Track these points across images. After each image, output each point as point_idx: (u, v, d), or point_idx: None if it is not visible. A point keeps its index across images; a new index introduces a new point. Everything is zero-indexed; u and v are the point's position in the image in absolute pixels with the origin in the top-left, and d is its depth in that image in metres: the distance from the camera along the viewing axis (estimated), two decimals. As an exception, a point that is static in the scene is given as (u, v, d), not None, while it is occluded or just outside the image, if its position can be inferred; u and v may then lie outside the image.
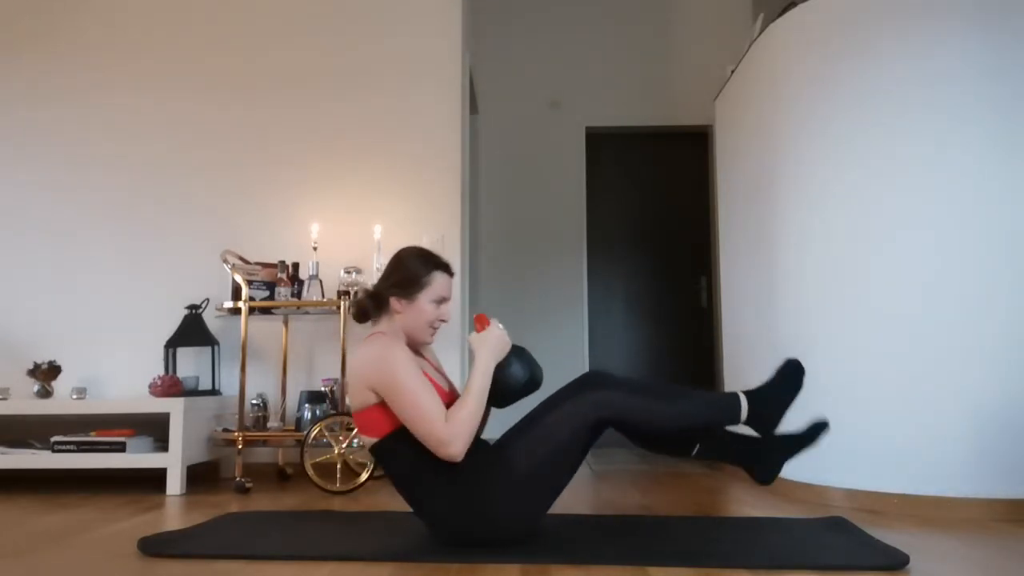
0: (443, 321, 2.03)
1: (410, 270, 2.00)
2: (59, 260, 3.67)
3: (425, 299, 1.99)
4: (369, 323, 2.06)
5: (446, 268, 2.05)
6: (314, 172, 3.72)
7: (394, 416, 1.87)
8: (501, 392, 1.93)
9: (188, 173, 3.73)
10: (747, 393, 1.96)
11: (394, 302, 1.99)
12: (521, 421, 1.96)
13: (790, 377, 1.99)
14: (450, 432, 1.81)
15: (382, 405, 1.88)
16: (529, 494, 1.89)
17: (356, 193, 3.70)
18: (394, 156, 3.72)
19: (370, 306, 2.04)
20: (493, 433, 2.07)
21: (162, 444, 3.12)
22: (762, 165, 3.12)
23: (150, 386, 3.14)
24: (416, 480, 1.91)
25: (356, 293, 3.25)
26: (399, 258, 2.04)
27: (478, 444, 1.93)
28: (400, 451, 1.89)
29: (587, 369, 4.81)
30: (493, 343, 1.93)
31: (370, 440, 1.93)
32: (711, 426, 1.99)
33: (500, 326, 1.97)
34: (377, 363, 1.86)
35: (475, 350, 1.93)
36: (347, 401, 1.98)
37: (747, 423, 1.96)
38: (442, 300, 2.02)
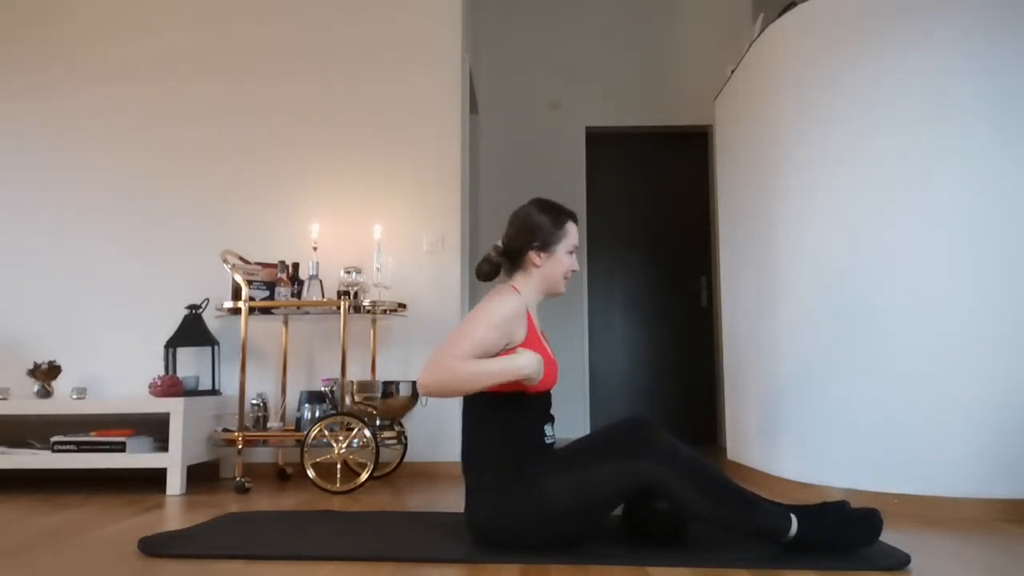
0: (574, 270, 2.08)
1: (546, 223, 2.04)
2: (59, 260, 3.67)
3: (563, 250, 2.04)
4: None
5: (574, 217, 2.10)
6: (314, 172, 3.72)
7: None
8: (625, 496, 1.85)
9: (189, 173, 3.73)
10: (800, 517, 1.79)
11: (533, 256, 2.03)
12: (572, 453, 1.87)
13: (864, 523, 1.80)
14: (437, 364, 1.82)
15: (500, 355, 1.90)
16: (558, 527, 1.85)
17: (356, 193, 3.70)
18: (394, 156, 3.72)
19: (504, 263, 2.08)
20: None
21: (162, 444, 3.12)
22: (762, 165, 3.12)
23: (150, 386, 3.14)
24: (481, 447, 1.92)
25: (356, 294, 3.25)
26: (530, 214, 2.06)
27: (544, 452, 1.93)
28: (487, 411, 1.91)
29: (587, 370, 4.84)
30: (539, 361, 1.88)
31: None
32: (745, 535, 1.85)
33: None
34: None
35: (524, 353, 1.88)
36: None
37: (790, 544, 1.79)
38: (574, 249, 2.07)
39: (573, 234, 2.07)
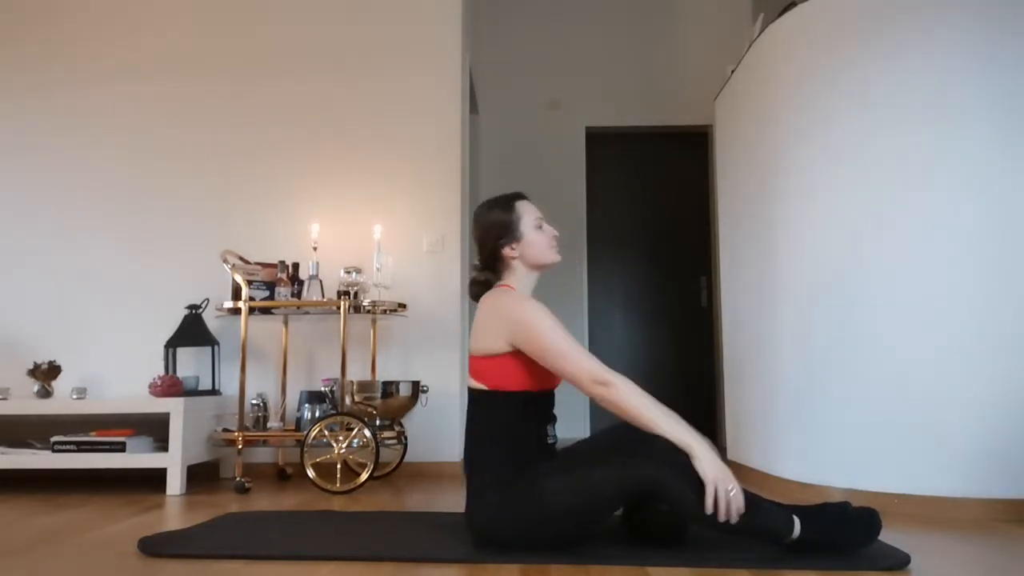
0: (556, 236, 2.10)
1: (499, 216, 2.05)
2: (59, 260, 3.67)
3: (529, 228, 2.05)
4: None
5: (521, 195, 2.12)
6: (314, 172, 3.72)
7: (513, 375, 1.91)
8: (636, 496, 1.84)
9: (189, 173, 3.73)
10: (800, 518, 1.79)
11: (507, 252, 2.05)
12: (573, 454, 1.88)
13: (863, 523, 1.80)
14: (614, 378, 1.81)
15: (512, 356, 1.91)
16: (558, 528, 1.85)
17: (356, 193, 3.70)
18: (395, 156, 3.72)
19: (489, 275, 2.09)
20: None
21: (162, 444, 3.12)
22: (762, 165, 3.12)
23: (150, 386, 3.14)
24: (484, 447, 1.92)
25: (356, 294, 3.25)
26: (483, 217, 2.08)
27: (546, 453, 1.94)
28: (492, 411, 1.92)
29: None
30: (717, 462, 1.75)
31: (475, 384, 1.96)
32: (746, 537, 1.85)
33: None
34: (513, 314, 1.91)
35: (705, 446, 1.78)
36: (470, 344, 2.02)
37: (790, 544, 1.80)
38: (540, 221, 2.08)
39: (528, 210, 2.08)
